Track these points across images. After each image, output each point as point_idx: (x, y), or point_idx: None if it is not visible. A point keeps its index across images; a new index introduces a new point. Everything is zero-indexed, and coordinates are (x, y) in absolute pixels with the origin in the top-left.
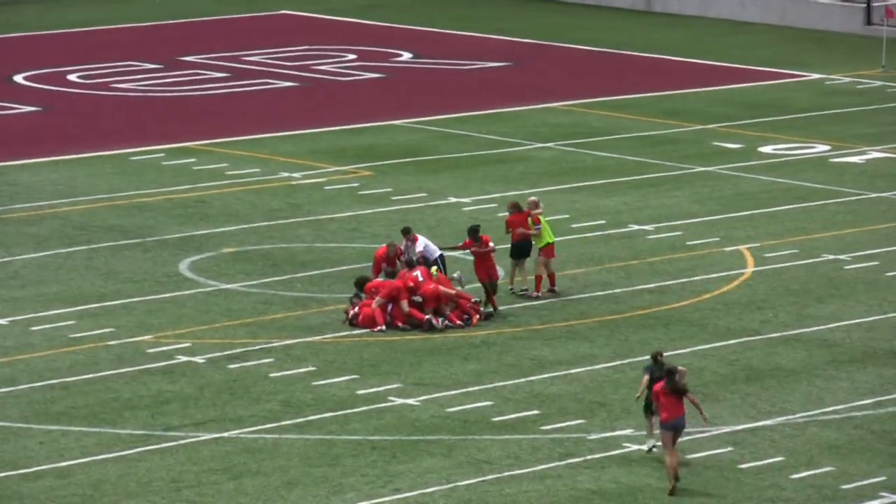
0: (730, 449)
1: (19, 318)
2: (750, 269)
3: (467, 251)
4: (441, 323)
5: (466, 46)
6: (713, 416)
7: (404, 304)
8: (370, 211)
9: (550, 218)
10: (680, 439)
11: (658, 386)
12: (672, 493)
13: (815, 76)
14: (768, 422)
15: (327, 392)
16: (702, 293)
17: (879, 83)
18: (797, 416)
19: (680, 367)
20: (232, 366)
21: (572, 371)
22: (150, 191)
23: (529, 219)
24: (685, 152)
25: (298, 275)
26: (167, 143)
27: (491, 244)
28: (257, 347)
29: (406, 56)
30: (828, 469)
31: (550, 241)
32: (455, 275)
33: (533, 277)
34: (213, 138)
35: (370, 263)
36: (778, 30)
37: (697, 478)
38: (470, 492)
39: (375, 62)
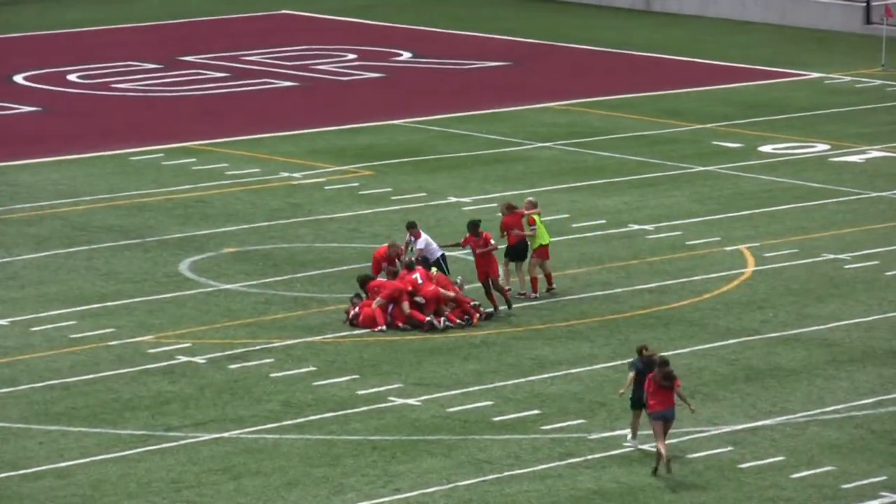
0: (730, 448)
1: (19, 318)
2: (750, 269)
3: (467, 250)
4: (442, 323)
5: (466, 46)
6: (713, 415)
7: (405, 305)
8: (370, 211)
9: (550, 218)
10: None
11: (650, 378)
12: (655, 472)
13: (815, 75)
14: (768, 421)
15: (328, 392)
16: (702, 293)
17: (879, 82)
18: (797, 415)
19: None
20: (232, 366)
21: (573, 371)
22: (150, 191)
23: (525, 219)
24: (685, 152)
25: (299, 275)
26: (167, 143)
27: (492, 242)
28: (258, 347)
29: (406, 56)
30: (828, 469)
31: (545, 243)
32: (458, 280)
33: (529, 279)
34: (212, 138)
35: (370, 263)
36: (777, 29)
37: (698, 477)
38: (470, 492)
39: (375, 62)
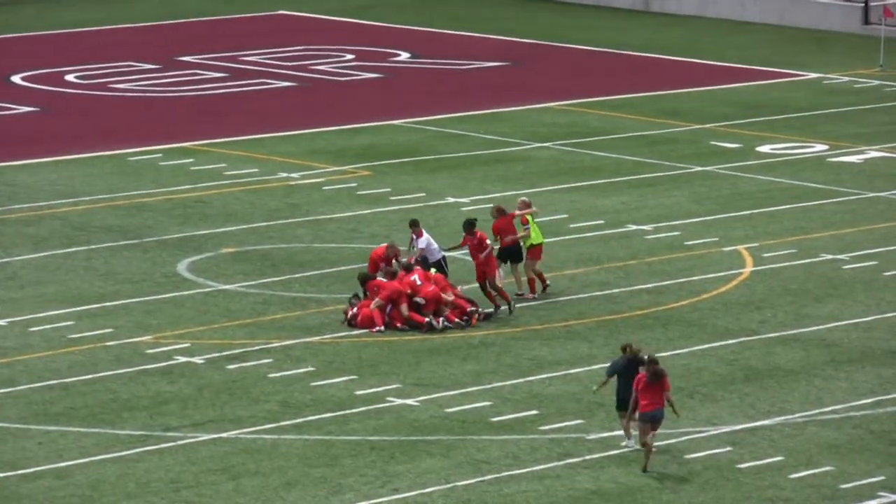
0: (729, 449)
1: (18, 318)
2: (748, 269)
3: (466, 250)
4: (440, 323)
5: (465, 46)
6: (712, 416)
7: (404, 307)
8: (369, 211)
9: (549, 218)
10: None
11: (642, 376)
12: (645, 469)
13: (813, 75)
14: (767, 422)
15: (326, 392)
16: (700, 293)
17: (877, 82)
18: (796, 415)
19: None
20: (231, 366)
21: (571, 371)
22: (148, 191)
23: (518, 220)
24: (683, 152)
25: (297, 275)
26: (165, 143)
27: (487, 242)
28: (256, 348)
29: (404, 56)
30: (827, 469)
31: (537, 243)
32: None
33: (526, 280)
34: (211, 138)
35: (368, 264)
36: (776, 29)
37: (696, 478)
38: (469, 492)
39: (374, 62)
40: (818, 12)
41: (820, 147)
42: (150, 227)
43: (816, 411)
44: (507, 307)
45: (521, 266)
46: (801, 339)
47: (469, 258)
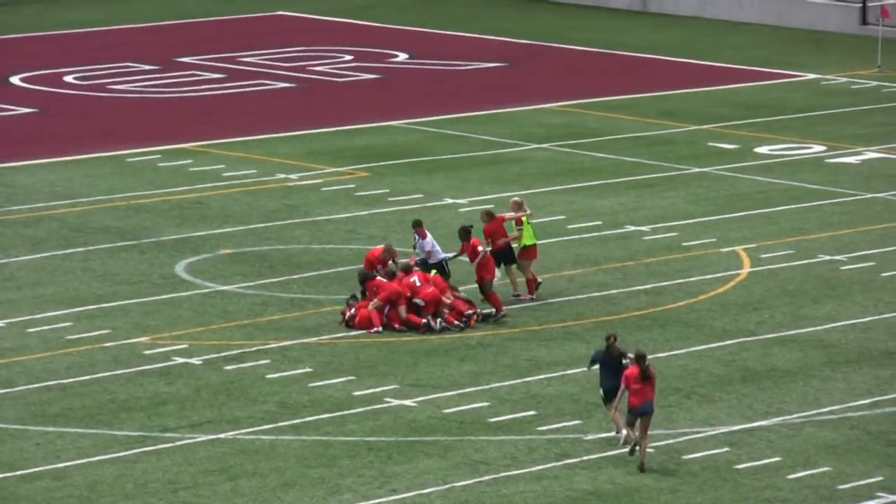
0: (726, 449)
1: (16, 319)
2: (746, 270)
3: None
4: (439, 324)
5: (462, 47)
6: (709, 416)
7: (402, 309)
8: (367, 212)
9: (546, 219)
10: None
11: (631, 371)
12: (642, 468)
13: (811, 76)
14: (765, 422)
15: (324, 393)
16: (698, 294)
17: (875, 83)
18: (793, 416)
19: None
20: (228, 367)
21: (569, 372)
22: (146, 192)
23: (510, 223)
24: (681, 153)
25: (295, 276)
26: (164, 144)
27: (480, 248)
28: (254, 349)
29: (402, 57)
30: (824, 469)
31: (529, 244)
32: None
33: (525, 280)
34: (209, 139)
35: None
36: (774, 30)
37: (694, 478)
38: (466, 492)
39: (372, 63)
40: (816, 13)
41: (818, 148)
42: (148, 228)
43: (814, 412)
44: (497, 314)
45: (514, 267)
46: (798, 339)
47: (468, 260)
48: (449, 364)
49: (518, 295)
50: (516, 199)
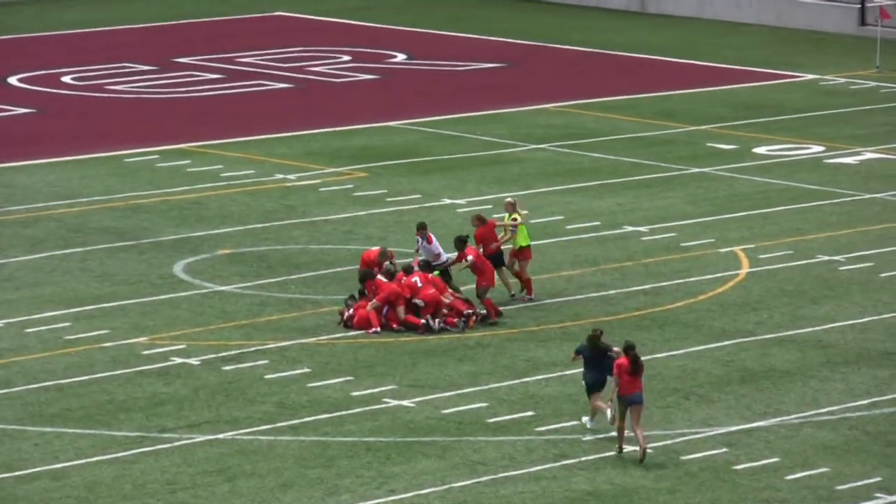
0: (725, 450)
1: (14, 320)
2: (744, 271)
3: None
4: (437, 324)
5: (461, 47)
6: (708, 417)
7: (401, 310)
8: (365, 212)
9: (545, 219)
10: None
11: (622, 361)
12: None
13: (810, 77)
14: (763, 423)
15: (322, 394)
16: (696, 294)
17: (873, 84)
18: (792, 417)
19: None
20: (227, 367)
21: (567, 372)
22: (145, 192)
23: (500, 228)
24: (679, 153)
25: (293, 276)
26: (162, 144)
27: (470, 258)
28: (252, 349)
29: (400, 57)
30: (823, 470)
31: (523, 245)
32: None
33: (524, 280)
34: (207, 140)
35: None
36: (773, 31)
37: (692, 479)
38: (465, 493)
39: (370, 63)
40: (815, 13)
41: (816, 148)
42: (147, 228)
43: (812, 412)
44: (489, 320)
45: (505, 269)
46: (797, 340)
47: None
48: (447, 364)
49: (514, 295)
50: (509, 199)
